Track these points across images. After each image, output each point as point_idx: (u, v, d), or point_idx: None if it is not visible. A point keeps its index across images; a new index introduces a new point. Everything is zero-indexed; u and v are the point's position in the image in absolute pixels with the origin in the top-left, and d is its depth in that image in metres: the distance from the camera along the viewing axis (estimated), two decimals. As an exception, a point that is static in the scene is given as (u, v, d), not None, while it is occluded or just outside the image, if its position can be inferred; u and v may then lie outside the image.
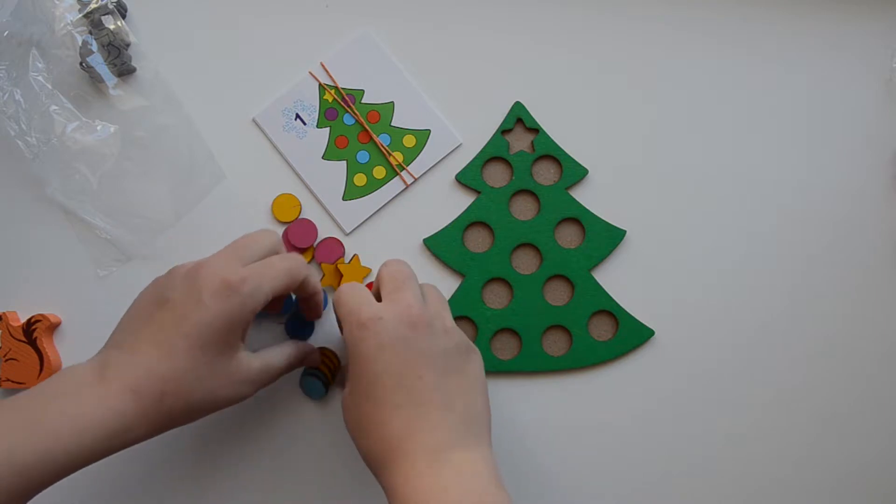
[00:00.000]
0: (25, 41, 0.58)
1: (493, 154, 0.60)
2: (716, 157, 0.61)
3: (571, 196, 0.60)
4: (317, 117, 0.59)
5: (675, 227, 0.60)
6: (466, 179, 0.59)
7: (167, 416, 0.46)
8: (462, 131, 0.60)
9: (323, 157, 0.59)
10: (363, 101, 0.59)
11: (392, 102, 0.59)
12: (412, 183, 0.59)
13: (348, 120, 0.58)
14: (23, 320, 0.58)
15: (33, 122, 0.58)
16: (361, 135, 0.58)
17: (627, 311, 0.59)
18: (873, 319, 0.60)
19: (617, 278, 0.59)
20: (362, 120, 0.58)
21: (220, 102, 0.60)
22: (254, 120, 0.59)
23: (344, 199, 0.58)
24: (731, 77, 0.62)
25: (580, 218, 0.59)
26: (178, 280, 0.47)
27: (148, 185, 0.59)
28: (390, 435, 0.44)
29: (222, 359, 0.46)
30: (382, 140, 0.58)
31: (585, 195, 0.60)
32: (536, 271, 0.59)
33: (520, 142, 0.60)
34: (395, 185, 0.59)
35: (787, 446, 0.59)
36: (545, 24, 0.61)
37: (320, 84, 0.59)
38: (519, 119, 0.60)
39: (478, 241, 0.59)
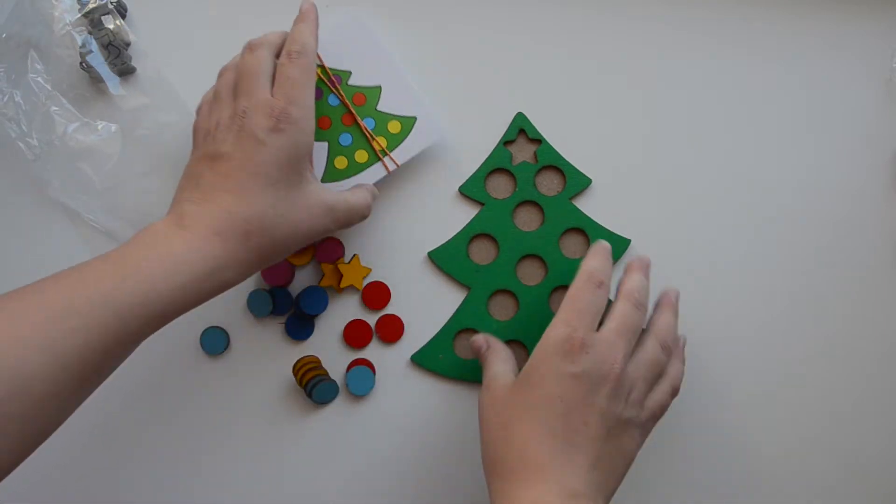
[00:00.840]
0: (24, 42, 0.58)
1: (495, 165, 0.59)
2: (717, 161, 0.61)
3: (575, 206, 0.59)
4: None
5: (678, 234, 0.60)
6: (470, 191, 0.59)
7: (256, 253, 0.46)
8: (460, 131, 0.60)
9: (321, 181, 0.57)
10: (349, 82, 0.57)
11: (379, 87, 0.57)
12: (394, 170, 0.57)
13: (332, 101, 0.57)
14: (24, 326, 0.58)
15: (34, 124, 0.58)
16: (345, 117, 0.57)
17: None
18: (874, 320, 0.61)
19: (622, 287, 0.59)
20: (347, 101, 0.57)
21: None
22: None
23: (323, 180, 0.56)
24: (730, 78, 0.61)
25: (584, 228, 0.59)
26: (222, 134, 0.48)
27: (151, 183, 0.59)
28: (535, 455, 0.45)
29: (295, 190, 0.47)
30: (367, 124, 0.57)
31: (589, 205, 0.60)
32: (542, 282, 0.59)
33: (522, 153, 0.60)
34: (376, 170, 0.57)
35: (789, 447, 0.60)
36: (546, 35, 0.61)
37: None
38: (521, 130, 0.60)
39: (482, 254, 0.59)
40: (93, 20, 0.58)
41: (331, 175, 0.56)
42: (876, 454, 0.60)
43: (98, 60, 0.58)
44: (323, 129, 0.56)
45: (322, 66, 0.56)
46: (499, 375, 0.49)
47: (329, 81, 0.57)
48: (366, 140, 0.57)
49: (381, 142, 0.57)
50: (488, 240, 0.59)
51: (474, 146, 0.60)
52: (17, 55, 0.58)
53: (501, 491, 0.45)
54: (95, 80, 0.58)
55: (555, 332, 0.47)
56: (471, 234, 0.59)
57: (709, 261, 0.60)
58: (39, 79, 0.58)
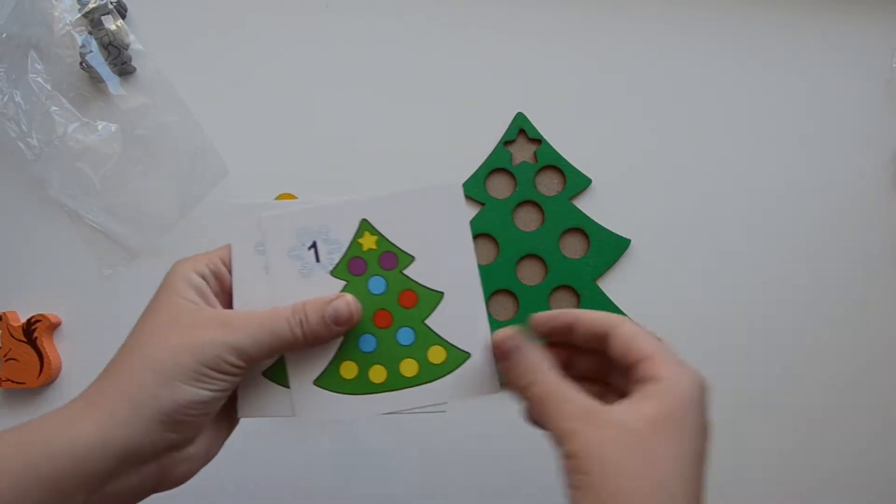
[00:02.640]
0: (24, 43, 0.58)
1: (495, 165, 0.59)
2: (717, 161, 0.61)
3: (575, 206, 0.59)
4: (338, 259, 0.40)
5: (678, 234, 0.60)
6: (470, 191, 0.59)
7: None
8: (465, 144, 0.60)
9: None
10: (406, 271, 0.41)
11: (442, 294, 0.41)
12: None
13: (375, 286, 0.41)
14: (23, 320, 0.58)
15: (34, 124, 0.58)
16: (380, 315, 0.41)
17: (633, 319, 0.59)
18: (874, 320, 0.61)
19: (622, 287, 0.60)
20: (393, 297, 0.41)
21: (220, 101, 0.60)
22: (261, 217, 0.41)
23: (316, 382, 0.40)
24: (731, 78, 0.61)
25: (584, 228, 0.59)
26: None
27: (151, 183, 0.59)
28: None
29: None
30: (403, 337, 0.41)
31: (589, 205, 0.60)
32: (542, 282, 0.59)
33: (522, 153, 0.60)
34: (389, 400, 0.41)
35: (789, 446, 0.60)
36: (546, 35, 0.61)
37: (364, 220, 0.41)
38: (521, 130, 0.60)
39: (482, 253, 0.59)
40: (93, 20, 0.58)
41: (328, 381, 0.41)
42: (875, 454, 0.60)
43: (98, 60, 0.58)
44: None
45: (380, 236, 0.41)
46: (590, 406, 0.37)
47: (381, 259, 0.41)
48: (396, 357, 0.40)
49: (412, 367, 0.41)
50: (488, 240, 0.59)
51: (474, 146, 0.60)
52: (17, 55, 0.58)
53: None
54: (95, 80, 0.58)
55: (691, 376, 0.37)
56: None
57: (708, 260, 0.60)
58: (39, 79, 0.58)
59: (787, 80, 0.62)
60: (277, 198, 0.59)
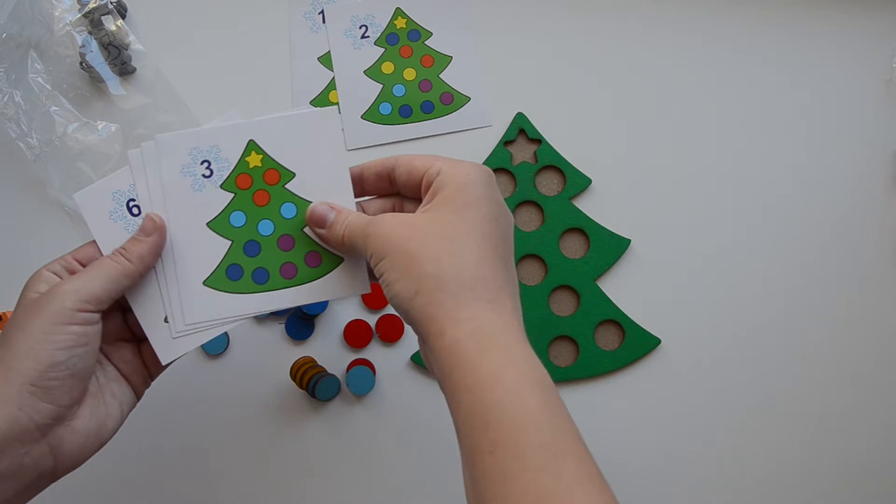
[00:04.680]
0: (24, 42, 0.58)
1: (496, 165, 0.59)
2: (717, 161, 0.61)
3: (575, 206, 0.59)
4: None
5: (678, 233, 0.60)
6: (470, 191, 0.59)
7: None
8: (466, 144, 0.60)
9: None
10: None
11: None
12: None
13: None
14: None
15: (34, 124, 0.58)
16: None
17: (633, 319, 0.59)
18: (875, 320, 0.61)
19: (622, 287, 0.60)
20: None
21: (220, 101, 0.60)
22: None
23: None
24: (731, 79, 0.62)
25: (584, 228, 0.59)
26: None
27: None
28: (492, 275, 0.40)
29: None
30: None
31: (589, 205, 0.60)
32: (542, 282, 0.59)
33: (522, 153, 0.60)
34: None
35: (793, 449, 0.60)
36: (546, 36, 0.61)
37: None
38: (521, 130, 0.60)
39: (482, 253, 0.59)
40: (93, 20, 0.58)
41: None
42: (875, 453, 0.60)
43: (98, 60, 0.58)
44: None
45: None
46: (388, 214, 0.42)
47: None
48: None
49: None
50: (488, 240, 0.59)
51: (474, 146, 0.60)
52: (17, 55, 0.58)
53: (456, 311, 0.38)
54: (95, 80, 0.58)
55: (466, 165, 0.42)
56: (471, 234, 0.59)
57: (709, 260, 0.60)
58: (39, 79, 0.58)
59: (788, 80, 0.62)
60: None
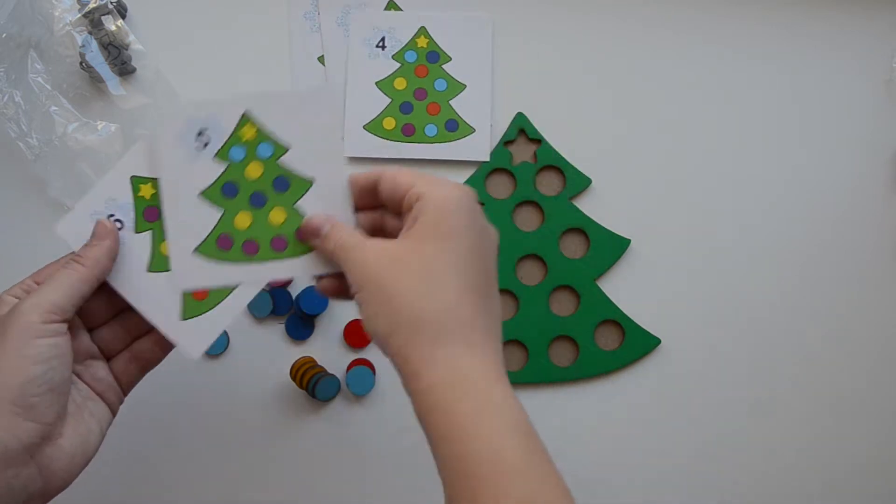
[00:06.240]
0: (24, 42, 0.58)
1: (495, 165, 0.59)
2: (716, 161, 0.61)
3: (575, 206, 0.59)
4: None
5: (678, 233, 0.60)
6: (470, 191, 0.59)
7: None
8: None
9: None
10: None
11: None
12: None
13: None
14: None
15: (34, 124, 0.58)
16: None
17: (633, 319, 0.59)
18: (874, 319, 0.61)
19: (622, 287, 0.60)
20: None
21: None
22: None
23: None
24: (730, 79, 0.62)
25: (584, 228, 0.59)
26: None
27: None
28: (469, 314, 0.39)
29: None
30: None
31: (589, 205, 0.60)
32: (542, 282, 0.59)
33: (522, 153, 0.60)
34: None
35: (793, 449, 0.60)
36: (546, 36, 0.61)
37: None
38: (521, 130, 0.60)
39: (482, 253, 0.59)
40: (93, 20, 0.58)
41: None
42: (875, 453, 0.60)
43: (98, 60, 0.58)
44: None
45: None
46: (372, 240, 0.41)
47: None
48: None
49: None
50: (488, 240, 0.59)
51: (474, 146, 0.60)
52: (17, 55, 0.58)
53: (431, 357, 0.38)
54: (95, 80, 0.58)
55: (451, 186, 0.41)
56: (471, 234, 0.59)
57: (708, 260, 0.60)
58: (39, 79, 0.58)
59: (787, 80, 0.62)
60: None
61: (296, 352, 0.59)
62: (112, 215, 0.46)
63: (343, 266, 0.41)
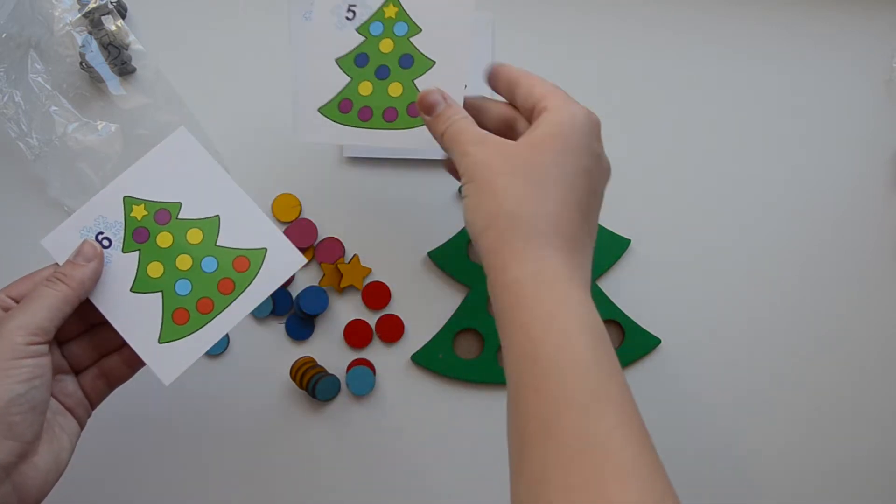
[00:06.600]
0: (24, 42, 0.58)
1: (495, 165, 0.59)
2: (717, 161, 0.61)
3: (575, 206, 0.59)
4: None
5: (678, 233, 0.60)
6: (470, 191, 0.59)
7: None
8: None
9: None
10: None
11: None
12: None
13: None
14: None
15: (34, 124, 0.58)
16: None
17: (633, 319, 0.59)
18: (874, 319, 0.61)
19: (622, 287, 0.60)
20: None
21: (220, 102, 0.59)
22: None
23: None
24: (731, 79, 0.62)
25: (584, 228, 0.59)
26: None
27: None
28: (567, 225, 0.40)
29: None
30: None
31: (589, 205, 0.60)
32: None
33: (523, 153, 0.60)
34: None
35: (793, 448, 0.60)
36: (545, 36, 0.61)
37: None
38: (521, 130, 0.60)
39: (482, 254, 0.59)
40: (93, 20, 0.58)
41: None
42: (875, 453, 0.60)
43: (98, 60, 0.58)
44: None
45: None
46: (490, 134, 0.43)
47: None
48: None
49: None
50: (488, 240, 0.59)
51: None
52: (17, 55, 0.58)
53: (522, 254, 0.39)
54: (95, 80, 0.58)
55: (579, 108, 0.43)
56: (471, 234, 0.59)
57: (709, 260, 0.60)
58: (39, 79, 0.58)
59: (788, 80, 0.62)
60: (277, 198, 0.58)
61: (296, 352, 0.59)
62: (101, 233, 0.46)
63: (453, 151, 0.43)
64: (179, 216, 0.47)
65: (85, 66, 0.58)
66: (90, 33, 0.58)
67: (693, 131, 0.61)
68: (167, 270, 0.47)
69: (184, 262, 0.47)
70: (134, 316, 0.46)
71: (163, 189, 0.47)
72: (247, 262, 0.48)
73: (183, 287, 0.47)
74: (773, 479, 0.60)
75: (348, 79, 0.50)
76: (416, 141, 0.50)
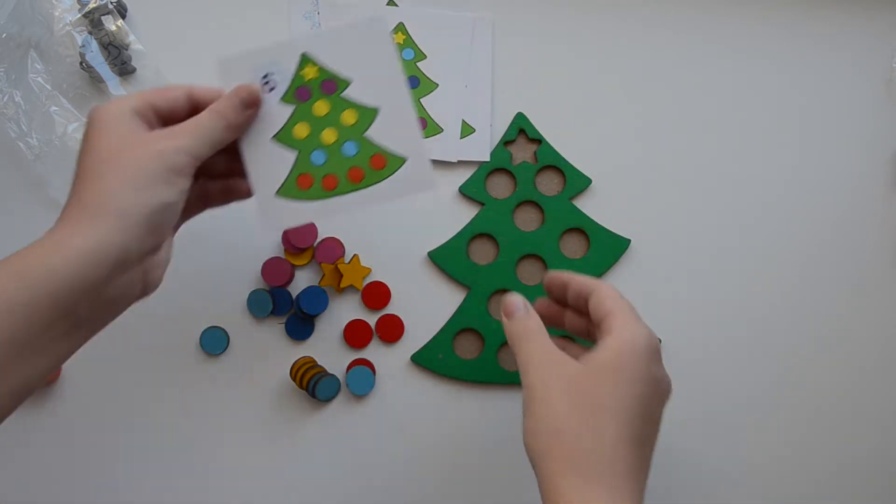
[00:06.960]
0: (24, 42, 0.58)
1: (496, 165, 0.59)
2: (717, 161, 0.61)
3: (575, 206, 0.60)
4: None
5: (678, 233, 0.60)
6: (470, 191, 0.59)
7: None
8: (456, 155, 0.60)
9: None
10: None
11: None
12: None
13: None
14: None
15: (34, 124, 0.58)
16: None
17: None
18: (874, 319, 0.61)
19: (622, 287, 0.58)
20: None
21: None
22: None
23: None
24: (730, 79, 0.62)
25: (584, 228, 0.59)
26: None
27: None
28: (625, 462, 0.42)
29: None
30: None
31: (589, 205, 0.60)
32: (542, 282, 0.59)
33: (522, 153, 0.60)
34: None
35: (794, 448, 0.60)
36: (546, 36, 0.61)
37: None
38: (521, 130, 0.60)
39: (482, 253, 0.59)
40: (93, 20, 0.58)
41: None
42: (875, 453, 0.60)
43: (98, 60, 0.58)
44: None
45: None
46: (555, 351, 0.44)
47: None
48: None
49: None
50: (488, 240, 0.59)
51: (475, 146, 0.60)
52: (17, 55, 0.58)
53: (580, 491, 0.40)
54: (95, 80, 0.58)
55: (640, 331, 0.44)
56: (471, 234, 0.59)
57: (708, 260, 0.60)
58: (39, 79, 0.58)
59: (788, 80, 0.62)
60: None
61: (296, 352, 0.59)
62: (272, 73, 0.47)
63: (517, 356, 0.45)
64: (343, 94, 0.48)
65: (85, 66, 0.58)
66: (90, 33, 0.58)
67: (693, 131, 0.61)
68: (311, 136, 0.48)
69: (329, 135, 0.48)
70: (264, 160, 0.48)
71: (341, 62, 0.47)
72: (383, 162, 0.48)
73: (318, 157, 0.48)
74: (774, 479, 0.60)
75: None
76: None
